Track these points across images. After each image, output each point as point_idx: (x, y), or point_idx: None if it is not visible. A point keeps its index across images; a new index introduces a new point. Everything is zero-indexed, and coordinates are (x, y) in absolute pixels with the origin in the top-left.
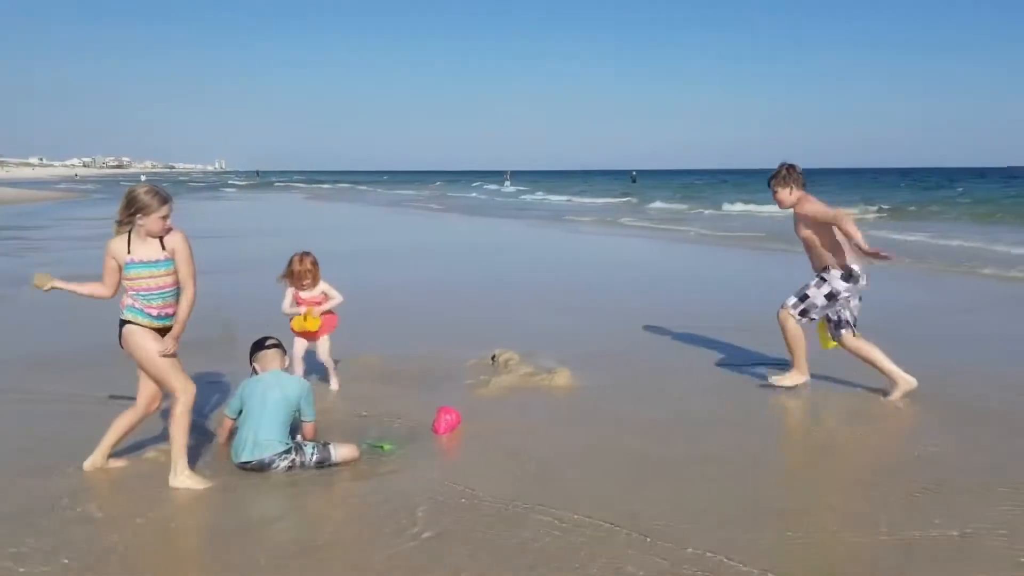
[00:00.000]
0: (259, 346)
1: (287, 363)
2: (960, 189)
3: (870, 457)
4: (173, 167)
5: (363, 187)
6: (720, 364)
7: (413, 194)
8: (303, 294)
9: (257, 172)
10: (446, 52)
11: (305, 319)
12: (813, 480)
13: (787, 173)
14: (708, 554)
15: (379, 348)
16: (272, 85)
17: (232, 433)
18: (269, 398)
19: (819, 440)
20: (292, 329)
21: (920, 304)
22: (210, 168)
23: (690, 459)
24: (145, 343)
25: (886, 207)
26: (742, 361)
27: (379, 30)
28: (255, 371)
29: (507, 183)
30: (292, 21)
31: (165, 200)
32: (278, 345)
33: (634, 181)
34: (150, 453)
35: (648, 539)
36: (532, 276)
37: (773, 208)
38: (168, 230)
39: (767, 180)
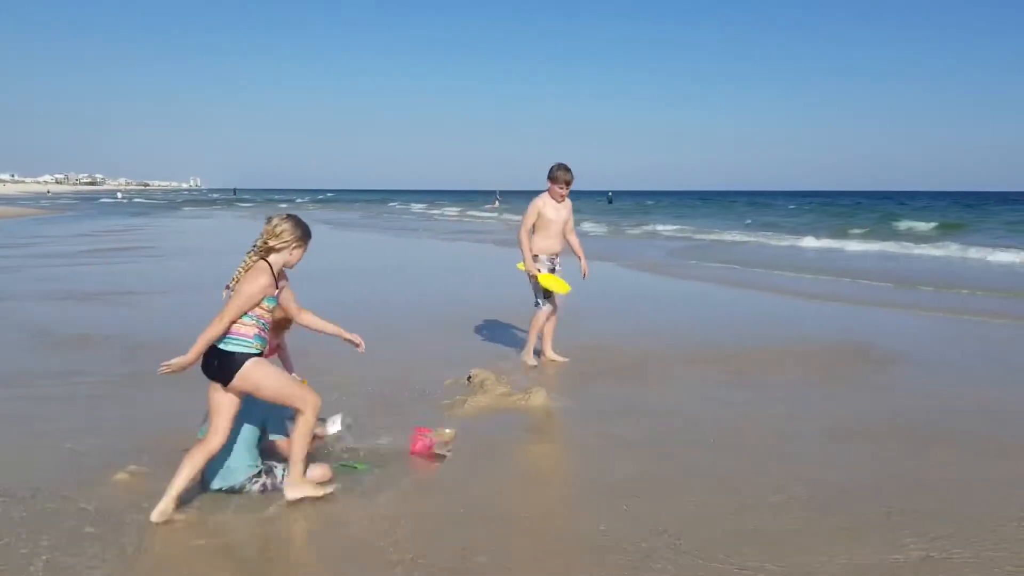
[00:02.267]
0: None
1: None
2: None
3: (843, 478)
4: (148, 184)
5: (312, 207)
6: (696, 384)
7: (357, 216)
8: None
9: (234, 190)
10: (432, 71)
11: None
12: (788, 502)
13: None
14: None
15: (353, 367)
16: (250, 103)
17: None
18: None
19: (794, 461)
20: None
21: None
22: (185, 186)
23: (666, 479)
24: (272, 370)
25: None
26: (714, 381)
27: (362, 47)
28: None
29: (497, 203)
30: (273, 38)
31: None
32: None
33: (610, 202)
34: (119, 474)
35: (631, 557)
36: (498, 295)
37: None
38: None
39: (565, 174)
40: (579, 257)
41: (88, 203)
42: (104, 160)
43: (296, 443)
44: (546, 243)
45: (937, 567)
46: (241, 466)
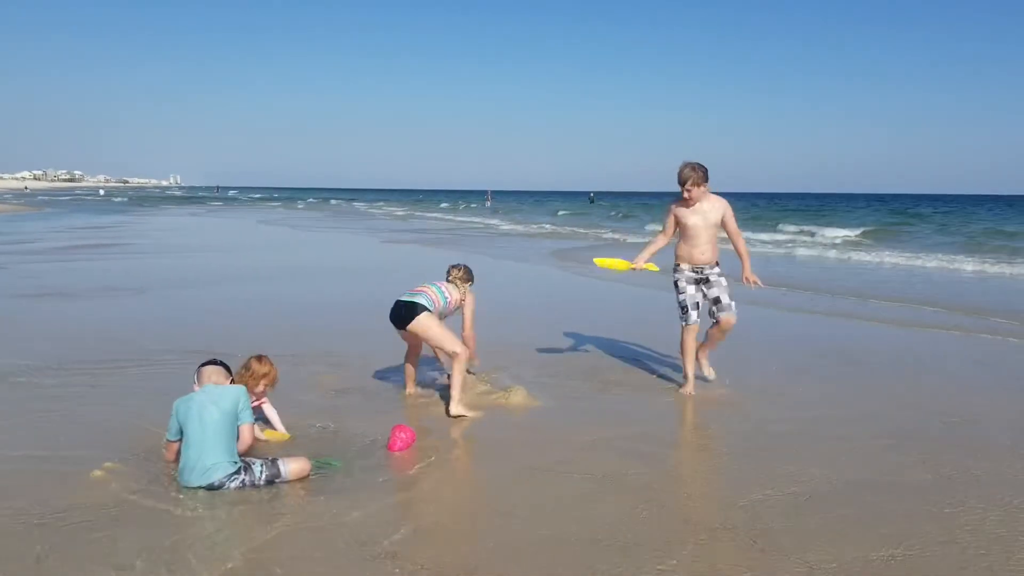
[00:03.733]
0: (201, 365)
1: (228, 382)
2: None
3: (824, 478)
4: (127, 181)
5: (303, 204)
6: (674, 382)
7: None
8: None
9: (217, 187)
10: (420, 71)
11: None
12: (767, 501)
13: (704, 171)
14: None
15: (333, 366)
16: (235, 101)
17: (177, 454)
18: (207, 419)
19: (774, 461)
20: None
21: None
22: (164, 183)
23: (646, 478)
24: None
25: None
26: (699, 382)
27: (350, 45)
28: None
29: (488, 203)
30: (255, 34)
31: None
32: (222, 364)
33: (592, 202)
34: (98, 471)
35: (615, 551)
36: (485, 296)
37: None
38: None
39: (680, 173)
40: (742, 263)
41: (54, 199)
42: (84, 156)
43: (456, 375)
44: (688, 251)
45: (915, 565)
46: (218, 464)
